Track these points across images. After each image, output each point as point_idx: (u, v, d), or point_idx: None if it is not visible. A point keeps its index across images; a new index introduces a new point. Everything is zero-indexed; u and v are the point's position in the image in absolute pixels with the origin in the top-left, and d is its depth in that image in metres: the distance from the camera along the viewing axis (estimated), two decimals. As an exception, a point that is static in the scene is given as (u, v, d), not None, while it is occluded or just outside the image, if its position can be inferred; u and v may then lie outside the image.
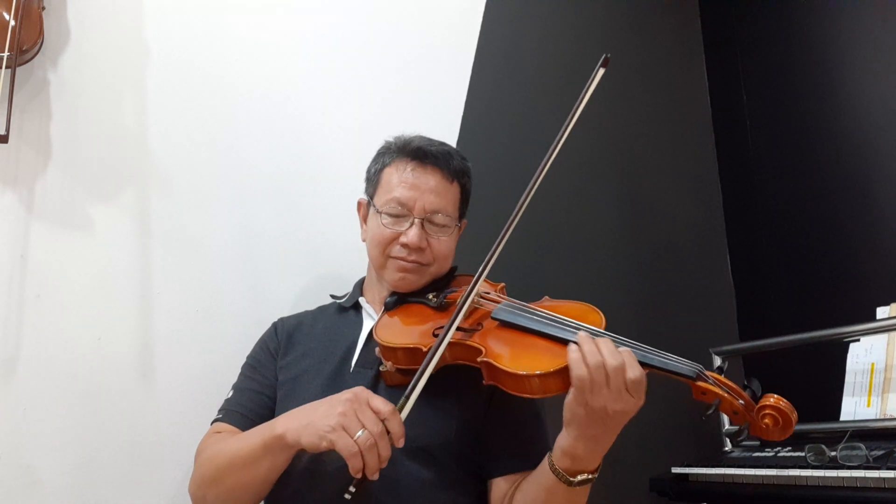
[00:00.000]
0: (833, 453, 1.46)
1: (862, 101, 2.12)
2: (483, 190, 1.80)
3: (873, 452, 1.43)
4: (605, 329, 1.07)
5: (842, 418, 1.72)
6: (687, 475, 1.78)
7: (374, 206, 1.32)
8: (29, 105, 1.36)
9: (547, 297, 1.24)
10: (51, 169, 1.37)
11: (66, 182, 1.39)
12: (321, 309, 1.42)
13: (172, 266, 1.47)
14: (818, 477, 1.47)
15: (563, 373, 0.99)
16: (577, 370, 0.97)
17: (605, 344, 0.98)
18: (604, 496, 1.98)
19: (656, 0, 2.51)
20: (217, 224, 1.54)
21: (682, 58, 2.56)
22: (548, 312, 1.13)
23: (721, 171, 2.50)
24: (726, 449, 1.93)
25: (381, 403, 1.01)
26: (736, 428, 1.01)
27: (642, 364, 1.00)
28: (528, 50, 2.14)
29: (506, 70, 2.06)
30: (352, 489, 1.00)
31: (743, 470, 1.63)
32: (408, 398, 1.02)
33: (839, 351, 1.82)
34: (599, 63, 1.14)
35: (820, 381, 1.94)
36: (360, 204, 1.40)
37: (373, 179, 1.35)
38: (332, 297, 1.44)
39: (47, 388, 1.31)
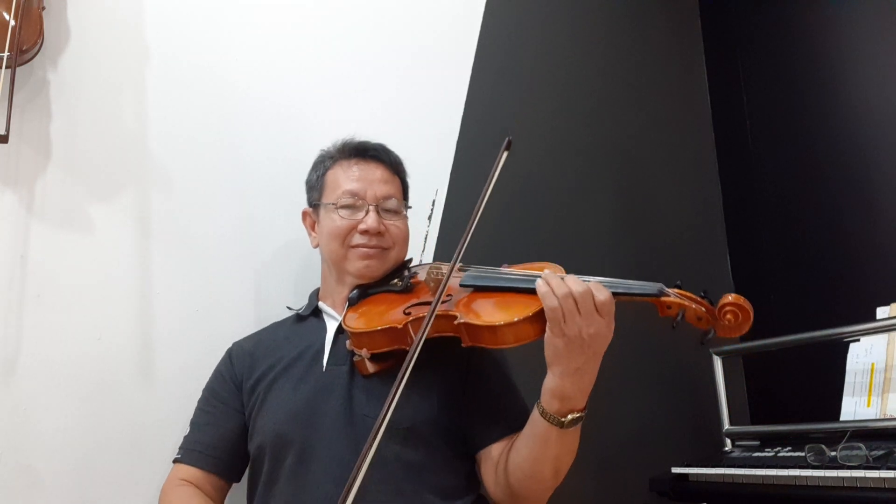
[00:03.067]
0: (833, 453, 1.46)
1: (862, 101, 2.11)
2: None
3: (873, 452, 1.42)
4: None
5: (842, 418, 1.72)
6: (687, 475, 1.77)
7: (324, 205, 1.35)
8: (29, 105, 1.36)
9: (505, 263, 1.27)
10: (51, 169, 1.37)
11: (66, 182, 1.39)
12: (276, 324, 1.44)
13: (172, 266, 1.47)
14: (818, 477, 1.47)
15: (537, 317, 1.06)
16: (548, 301, 1.03)
17: (570, 277, 1.06)
18: (604, 496, 1.98)
19: (656, 0, 2.51)
20: (217, 224, 1.55)
21: (682, 58, 2.56)
22: (512, 271, 1.20)
23: (721, 171, 2.50)
24: (726, 449, 1.93)
25: None
26: (702, 333, 1.09)
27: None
28: (528, 50, 2.14)
29: (506, 70, 2.06)
30: None
31: (743, 470, 1.63)
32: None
33: (839, 351, 1.81)
34: (503, 146, 1.18)
35: (820, 381, 1.94)
36: (304, 214, 1.44)
37: (316, 185, 1.39)
38: (289, 308, 1.45)
39: (47, 388, 1.31)
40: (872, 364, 1.73)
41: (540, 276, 1.09)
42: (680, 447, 2.00)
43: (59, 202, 1.37)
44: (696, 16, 2.62)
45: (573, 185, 2.14)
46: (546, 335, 1.05)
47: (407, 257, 1.40)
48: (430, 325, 1.07)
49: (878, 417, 1.65)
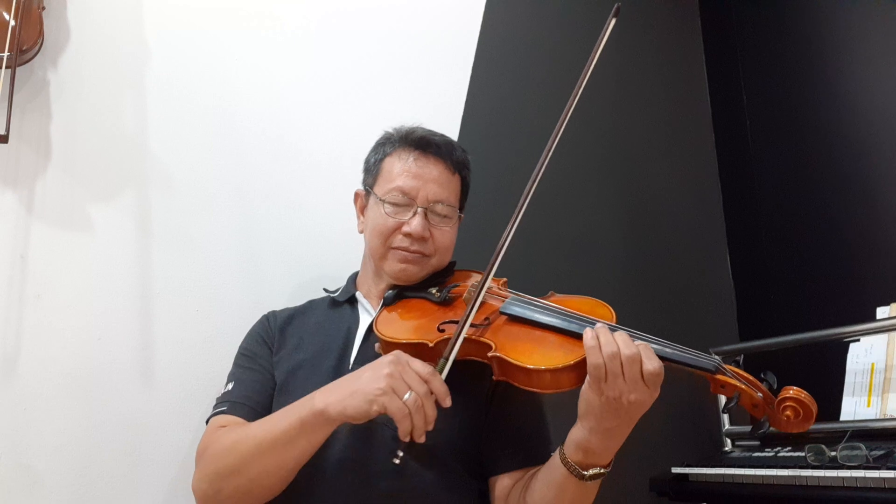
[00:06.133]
0: (833, 453, 1.46)
1: (862, 101, 2.11)
2: (484, 189, 1.80)
3: (873, 452, 1.42)
4: (617, 323, 1.07)
5: (842, 418, 1.72)
6: (687, 475, 1.78)
7: (374, 195, 1.29)
8: (29, 105, 1.36)
9: (553, 291, 1.22)
10: (51, 169, 1.37)
11: (66, 182, 1.39)
12: (312, 303, 1.40)
13: (172, 266, 1.47)
14: (818, 477, 1.47)
15: (577, 367, 1.00)
16: (593, 358, 0.96)
17: (621, 335, 0.99)
18: (604, 496, 1.98)
19: (656, 0, 2.51)
20: (217, 224, 1.55)
21: (682, 58, 2.56)
22: (557, 306, 1.13)
23: (721, 171, 2.49)
24: (726, 449, 1.93)
25: (421, 366, 1.01)
26: (756, 422, 1.00)
27: (660, 357, 1.00)
28: (528, 49, 2.14)
29: (506, 70, 2.06)
30: (400, 453, 1.00)
31: (743, 470, 1.63)
32: (447, 359, 1.02)
33: (839, 351, 1.81)
34: (612, 14, 1.14)
35: (820, 381, 1.93)
36: (357, 195, 1.38)
37: (372, 169, 1.33)
38: (326, 290, 1.41)
39: (47, 388, 1.31)
40: (872, 364, 1.73)
41: (589, 323, 1.03)
42: (680, 447, 2.00)
43: (59, 202, 1.37)
44: (696, 16, 2.62)
45: (573, 185, 2.14)
46: (583, 389, 0.99)
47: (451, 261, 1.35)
48: (454, 353, 1.03)
49: (878, 417, 1.65)
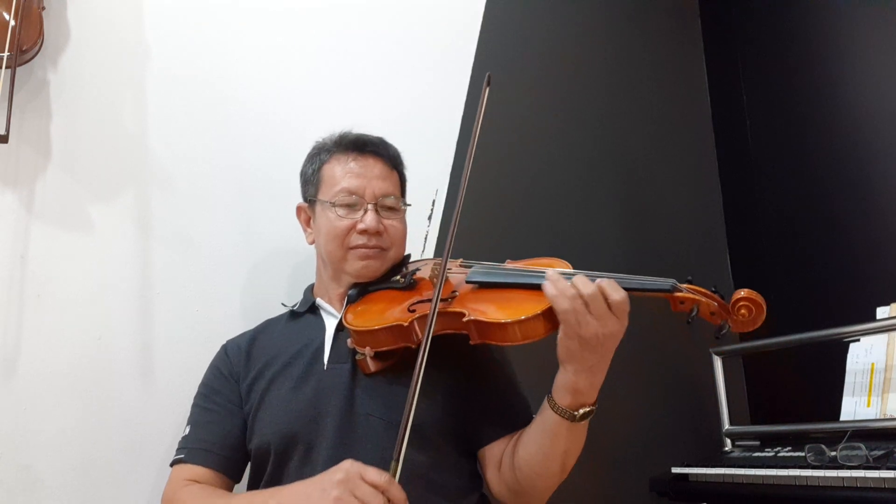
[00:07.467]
0: (833, 453, 1.46)
1: (862, 101, 2.11)
2: (485, 189, 1.80)
3: (873, 452, 1.42)
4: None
5: (842, 418, 1.72)
6: (687, 475, 1.78)
7: (321, 202, 1.31)
8: (29, 105, 1.36)
9: (509, 259, 1.26)
10: (51, 169, 1.37)
11: (66, 182, 1.39)
12: (270, 321, 1.41)
13: (172, 266, 1.47)
14: (818, 477, 1.47)
15: (546, 315, 1.06)
16: (559, 305, 1.02)
17: (578, 278, 1.04)
18: (604, 496, 1.98)
19: (656, 0, 2.51)
20: (217, 224, 1.55)
21: (682, 58, 2.56)
22: (517, 267, 1.19)
23: (721, 170, 2.49)
24: (726, 449, 1.93)
25: (375, 475, 0.98)
26: (717, 327, 1.08)
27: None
28: (528, 50, 2.14)
29: (506, 70, 2.06)
30: None
31: (743, 470, 1.63)
32: (398, 461, 0.99)
33: (839, 351, 1.81)
34: (485, 83, 1.19)
35: (820, 381, 1.94)
36: (299, 209, 1.40)
37: (312, 180, 1.35)
38: (283, 305, 1.42)
39: (47, 388, 1.31)
40: (872, 364, 1.73)
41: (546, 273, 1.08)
42: (680, 447, 2.00)
43: (59, 202, 1.38)
44: (696, 16, 2.62)
45: (573, 185, 2.14)
46: (560, 336, 1.04)
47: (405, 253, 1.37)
48: (434, 321, 1.06)
49: (878, 417, 1.65)
